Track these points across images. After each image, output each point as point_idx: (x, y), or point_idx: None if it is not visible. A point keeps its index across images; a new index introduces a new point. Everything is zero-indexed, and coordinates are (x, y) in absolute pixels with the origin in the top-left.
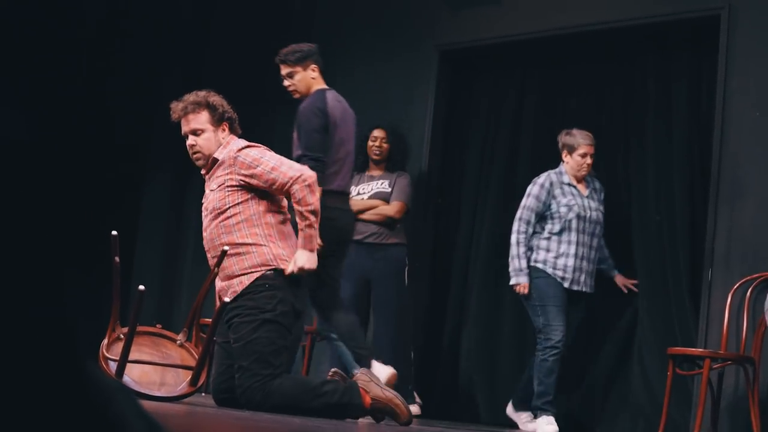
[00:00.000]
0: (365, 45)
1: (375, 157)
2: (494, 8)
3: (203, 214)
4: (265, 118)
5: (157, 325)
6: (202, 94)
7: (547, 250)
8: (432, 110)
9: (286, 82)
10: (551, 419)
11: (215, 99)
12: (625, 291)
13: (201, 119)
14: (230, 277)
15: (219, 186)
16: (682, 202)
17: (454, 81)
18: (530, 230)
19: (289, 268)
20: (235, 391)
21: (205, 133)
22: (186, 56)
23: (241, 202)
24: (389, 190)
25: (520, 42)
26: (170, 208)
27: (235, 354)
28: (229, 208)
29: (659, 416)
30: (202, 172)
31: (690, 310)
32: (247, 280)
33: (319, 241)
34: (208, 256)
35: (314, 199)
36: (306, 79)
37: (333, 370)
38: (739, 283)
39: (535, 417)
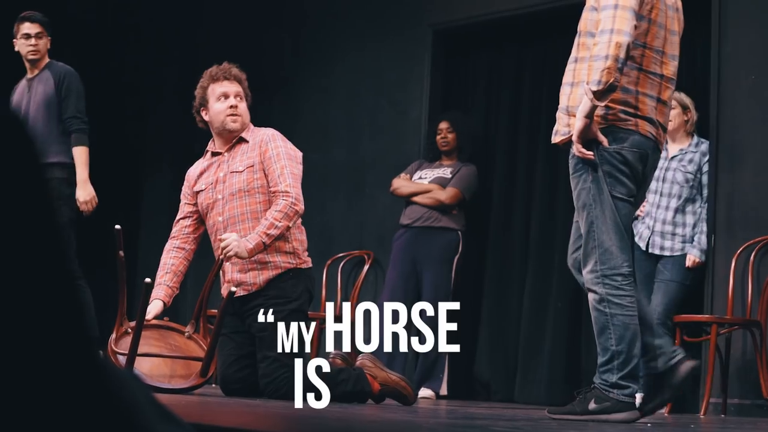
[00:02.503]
0: (358, 28)
1: (443, 148)
2: None
3: (213, 194)
4: (261, 106)
5: (165, 318)
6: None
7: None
8: (428, 90)
9: (33, 41)
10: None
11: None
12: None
13: (242, 89)
14: (254, 264)
15: (247, 167)
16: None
17: (449, 60)
18: None
19: (223, 244)
20: (244, 382)
21: (243, 103)
22: (181, 48)
23: (264, 184)
24: (449, 177)
25: (515, 17)
26: (172, 200)
27: (260, 343)
28: (257, 191)
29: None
30: (219, 149)
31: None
32: (275, 270)
33: (246, 253)
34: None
35: (287, 224)
36: (47, 45)
37: (335, 352)
38: (742, 247)
39: None
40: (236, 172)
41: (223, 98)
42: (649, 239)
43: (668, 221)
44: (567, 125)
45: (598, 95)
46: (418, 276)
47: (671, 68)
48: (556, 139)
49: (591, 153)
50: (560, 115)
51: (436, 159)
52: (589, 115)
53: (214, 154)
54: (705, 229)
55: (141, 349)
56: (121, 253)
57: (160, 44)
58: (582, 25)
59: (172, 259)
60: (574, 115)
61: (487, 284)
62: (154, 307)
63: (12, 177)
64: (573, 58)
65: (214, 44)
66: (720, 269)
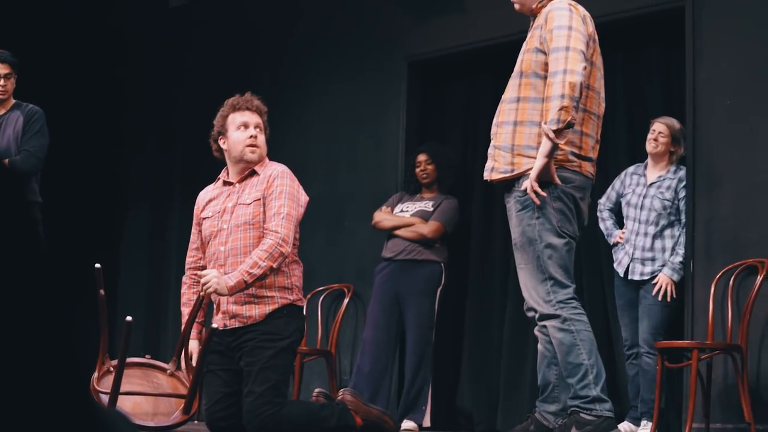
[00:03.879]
0: (334, 61)
1: (423, 180)
2: (459, 16)
3: (218, 223)
4: None
5: (146, 356)
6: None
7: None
8: (405, 122)
9: (2, 82)
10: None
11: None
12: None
13: (262, 122)
14: (251, 298)
15: (254, 200)
16: None
17: (425, 91)
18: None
19: (203, 280)
20: (231, 419)
21: (263, 135)
22: (160, 83)
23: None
24: (431, 210)
25: (489, 47)
26: (151, 237)
27: (247, 377)
28: (262, 226)
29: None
30: (232, 179)
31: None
32: (272, 305)
33: (226, 291)
34: (221, 271)
35: (270, 264)
36: (13, 84)
37: (317, 390)
38: (722, 272)
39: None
40: (244, 204)
41: (243, 128)
42: (628, 266)
43: (647, 248)
44: (510, 164)
45: (557, 134)
46: (400, 308)
47: (603, 107)
48: (494, 176)
49: (546, 192)
50: (500, 153)
51: (417, 192)
52: (550, 155)
53: (226, 183)
54: (681, 251)
55: (123, 388)
56: (102, 291)
57: (140, 80)
58: (525, 66)
59: (195, 294)
60: (521, 155)
61: (468, 315)
62: (192, 347)
63: (3, 215)
64: (514, 97)
65: (192, 79)
66: (699, 295)
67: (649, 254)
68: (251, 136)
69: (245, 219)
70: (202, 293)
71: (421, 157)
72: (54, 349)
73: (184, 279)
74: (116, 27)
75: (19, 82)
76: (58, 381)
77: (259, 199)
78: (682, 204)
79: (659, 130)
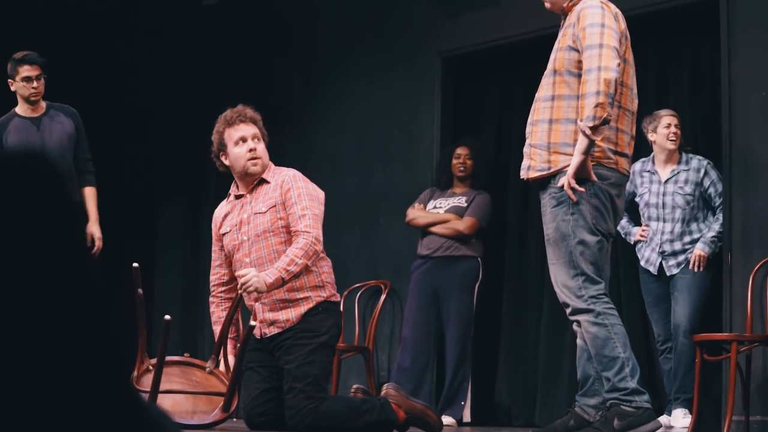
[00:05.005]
0: (367, 59)
1: (459, 174)
2: (493, 10)
3: (238, 236)
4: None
5: (185, 354)
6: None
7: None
8: (439, 119)
9: (34, 84)
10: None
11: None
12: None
13: (258, 130)
14: (285, 303)
15: (270, 208)
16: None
17: (459, 87)
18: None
19: (242, 280)
20: (269, 415)
21: (261, 143)
22: (189, 80)
23: (289, 227)
24: (465, 205)
25: (522, 42)
26: (185, 236)
27: (287, 375)
28: (282, 231)
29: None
30: (242, 191)
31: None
32: (307, 305)
33: (265, 288)
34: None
35: (306, 262)
36: (44, 84)
37: (356, 386)
38: (759, 264)
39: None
40: (260, 213)
41: (241, 142)
42: (660, 264)
43: (676, 244)
44: (547, 161)
45: (593, 131)
46: (439, 305)
47: (636, 103)
48: (531, 174)
49: (584, 189)
50: (537, 151)
51: (448, 186)
52: (587, 152)
53: (237, 196)
54: (717, 226)
55: (163, 386)
56: (140, 290)
57: (170, 81)
58: (558, 65)
59: (224, 311)
60: (557, 152)
61: (505, 310)
62: (230, 361)
63: (47, 213)
64: (548, 95)
65: (223, 79)
66: (737, 287)
67: (679, 247)
68: (251, 149)
69: (264, 227)
70: (241, 292)
71: (462, 151)
72: (100, 346)
73: (211, 298)
74: (148, 26)
75: (52, 86)
76: (104, 377)
77: (275, 206)
78: (711, 191)
79: (675, 123)
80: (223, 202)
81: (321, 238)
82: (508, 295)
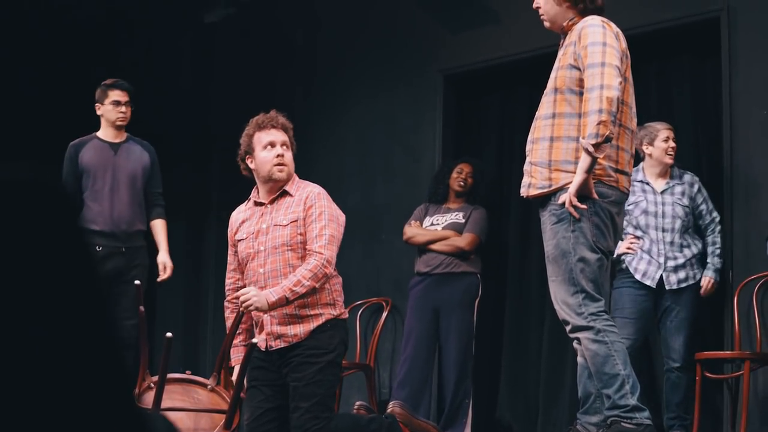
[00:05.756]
0: (369, 75)
1: (458, 188)
2: (494, 28)
3: (254, 245)
4: None
5: (187, 372)
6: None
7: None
8: (440, 135)
9: (123, 109)
10: None
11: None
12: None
13: (288, 138)
14: (295, 318)
15: (291, 222)
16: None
17: (460, 104)
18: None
19: (242, 299)
20: None
21: (289, 152)
22: (191, 96)
23: (305, 242)
24: (463, 221)
25: (523, 59)
26: (187, 254)
27: (294, 393)
28: (300, 247)
29: (687, 420)
30: (263, 200)
31: (709, 314)
32: (317, 321)
33: (266, 306)
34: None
35: (313, 284)
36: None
37: (359, 403)
38: (762, 281)
39: None
40: (280, 225)
41: (269, 147)
42: (660, 277)
43: (678, 255)
44: (548, 179)
45: (596, 149)
46: (438, 322)
47: (635, 122)
48: (531, 192)
49: (585, 206)
50: (537, 169)
51: (443, 201)
52: (589, 170)
53: (257, 203)
54: (719, 252)
55: (164, 404)
56: (142, 308)
57: (173, 95)
58: (559, 83)
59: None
60: (558, 170)
61: (506, 327)
62: (236, 372)
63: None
64: (549, 113)
65: (225, 95)
66: (742, 304)
67: (681, 261)
68: (278, 155)
69: (283, 240)
70: (241, 310)
71: (465, 168)
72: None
73: (225, 303)
74: (150, 43)
75: (52, 104)
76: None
77: (296, 221)
78: (703, 208)
79: (672, 137)
80: (242, 207)
81: (333, 261)
82: (510, 311)
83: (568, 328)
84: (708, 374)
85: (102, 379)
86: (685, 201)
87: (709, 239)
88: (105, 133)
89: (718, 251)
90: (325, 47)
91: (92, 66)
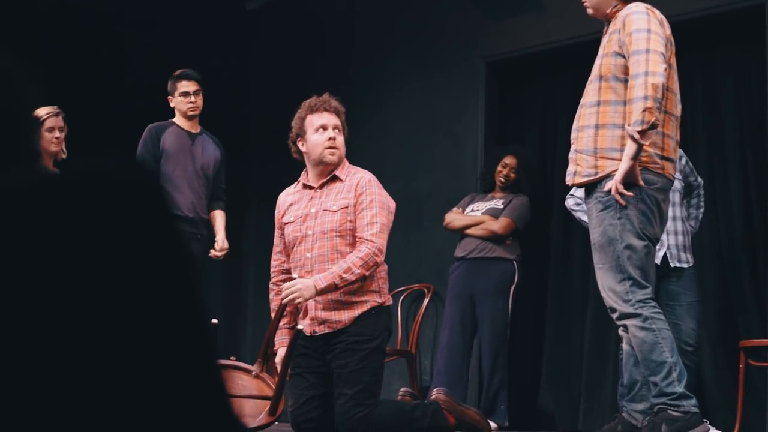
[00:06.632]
0: (411, 62)
1: (500, 183)
2: (537, 15)
3: (302, 229)
4: None
5: (232, 358)
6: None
7: None
8: (483, 123)
9: (192, 98)
10: None
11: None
12: None
13: (340, 122)
14: (340, 304)
15: (341, 208)
16: (737, 198)
17: (503, 91)
18: None
19: (284, 291)
20: (316, 422)
21: (341, 136)
22: (231, 85)
23: (355, 229)
24: (501, 207)
25: (567, 47)
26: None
27: (338, 379)
28: (349, 233)
29: (731, 409)
30: (312, 183)
31: (752, 303)
32: (361, 308)
33: (313, 294)
34: (307, 277)
35: (363, 272)
36: (202, 100)
37: (403, 389)
38: None
39: None
40: (329, 210)
41: (321, 130)
42: (665, 254)
43: (679, 231)
44: (594, 167)
45: (642, 135)
46: (474, 308)
47: (680, 108)
48: (577, 180)
49: (632, 193)
50: (583, 157)
51: (489, 191)
52: (635, 157)
53: (306, 186)
54: (700, 215)
55: None
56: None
57: (213, 83)
58: (604, 70)
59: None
60: (604, 157)
61: (548, 315)
62: (279, 354)
63: (158, 244)
64: (594, 101)
65: (263, 84)
66: None
67: (681, 239)
68: (330, 138)
69: (332, 226)
70: (284, 302)
71: (510, 161)
72: (196, 359)
73: (270, 285)
74: (191, 30)
75: (82, 91)
76: (204, 391)
77: (346, 207)
78: (692, 179)
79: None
80: (290, 188)
81: (384, 250)
82: (552, 299)
83: (615, 315)
84: (752, 362)
85: (198, 378)
86: (678, 175)
87: (693, 202)
88: (180, 122)
89: (700, 216)
90: (365, 35)
91: (131, 54)
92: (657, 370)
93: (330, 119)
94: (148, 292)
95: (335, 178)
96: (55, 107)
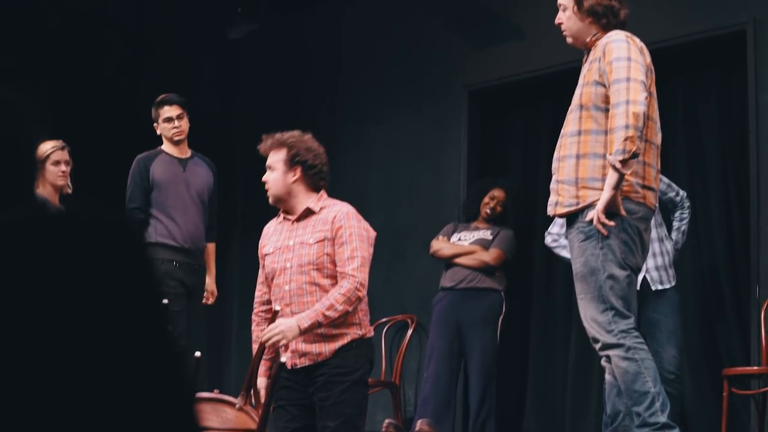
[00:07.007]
0: (394, 92)
1: (484, 215)
2: (518, 43)
3: (280, 261)
4: None
5: (215, 391)
6: (289, 134)
7: None
8: (465, 151)
9: (176, 123)
10: None
11: (300, 141)
12: None
13: (275, 160)
14: (320, 336)
15: (318, 241)
16: (719, 223)
17: (485, 120)
18: None
19: (265, 333)
20: None
21: (273, 172)
22: (216, 111)
23: (334, 264)
24: (491, 238)
25: (548, 75)
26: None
27: (320, 412)
28: (326, 266)
29: None
30: (290, 217)
31: (734, 328)
32: (342, 341)
33: (297, 334)
34: (287, 310)
35: (347, 308)
36: (188, 123)
37: (387, 421)
38: None
39: None
40: (306, 243)
41: (268, 170)
42: (645, 277)
43: (657, 252)
44: (575, 197)
45: (623, 165)
46: (462, 338)
47: (660, 136)
48: (558, 210)
49: (613, 223)
50: (564, 187)
51: (472, 220)
52: (617, 186)
53: (286, 218)
54: (684, 227)
55: None
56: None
57: (198, 112)
58: (584, 99)
59: (261, 328)
60: (586, 187)
61: (532, 345)
62: (260, 384)
63: (128, 281)
64: (575, 130)
65: (248, 113)
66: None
67: (660, 260)
68: (264, 182)
69: (309, 259)
70: (267, 345)
71: (498, 194)
72: (171, 401)
73: (253, 316)
74: (175, 59)
75: (74, 117)
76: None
77: (323, 240)
78: (671, 194)
79: None
80: (274, 221)
81: (366, 284)
82: (535, 330)
83: (597, 345)
84: (735, 390)
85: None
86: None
87: (677, 214)
88: (169, 148)
89: (684, 227)
90: (350, 64)
91: (116, 83)
92: (640, 400)
93: (269, 160)
94: (113, 327)
95: (311, 212)
96: (60, 141)
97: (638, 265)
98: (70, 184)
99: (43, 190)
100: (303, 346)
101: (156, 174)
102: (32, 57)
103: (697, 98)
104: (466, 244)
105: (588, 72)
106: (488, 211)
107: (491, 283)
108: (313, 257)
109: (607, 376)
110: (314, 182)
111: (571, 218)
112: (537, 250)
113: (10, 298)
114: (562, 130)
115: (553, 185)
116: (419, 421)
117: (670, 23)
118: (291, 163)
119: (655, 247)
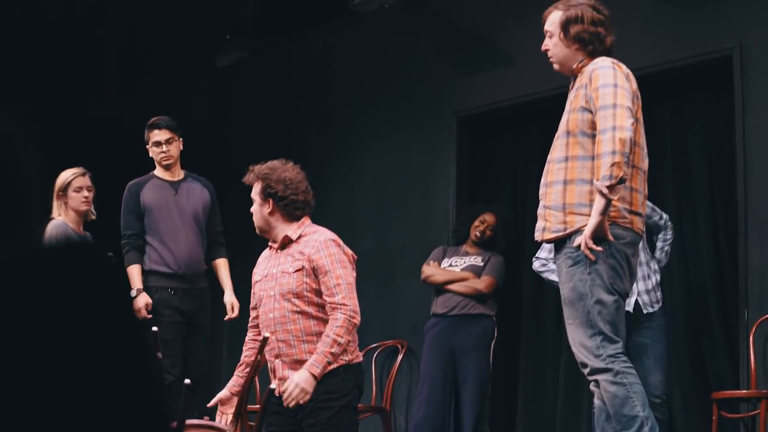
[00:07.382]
0: (383, 117)
1: (474, 238)
2: (506, 69)
3: (265, 288)
4: None
5: (205, 418)
6: (267, 165)
7: None
8: (455, 177)
9: (164, 148)
10: None
11: (273, 173)
12: None
13: (255, 189)
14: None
15: (296, 270)
16: (707, 246)
17: (474, 145)
18: None
19: (284, 387)
20: None
21: (255, 204)
22: (207, 139)
23: (316, 288)
24: (482, 265)
25: (537, 100)
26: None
27: None
28: (307, 294)
29: None
30: (273, 245)
31: (723, 352)
32: (329, 367)
33: (312, 386)
34: (273, 338)
35: (348, 338)
36: (179, 147)
37: None
38: None
39: None
40: (287, 272)
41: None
42: (637, 300)
43: (645, 275)
44: (563, 222)
45: (610, 190)
46: (455, 364)
47: (647, 162)
48: (546, 236)
49: (601, 248)
50: (552, 213)
51: (460, 244)
52: (604, 212)
53: (272, 246)
54: (667, 247)
55: None
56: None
57: (188, 137)
58: (571, 126)
59: (248, 350)
60: (573, 213)
61: (522, 370)
62: (221, 394)
63: (108, 313)
64: (562, 156)
65: (239, 140)
66: (758, 343)
67: (650, 283)
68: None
69: (289, 288)
70: (291, 406)
71: (489, 218)
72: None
73: (246, 340)
74: (164, 86)
75: (60, 145)
76: None
77: (302, 269)
78: (656, 218)
79: None
80: (267, 248)
81: (358, 309)
82: (525, 355)
83: (586, 370)
84: (724, 413)
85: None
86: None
87: (660, 235)
88: (160, 172)
89: (667, 247)
90: (340, 90)
91: (108, 108)
92: (629, 425)
93: (252, 192)
94: (85, 356)
95: (290, 240)
96: (81, 168)
97: (626, 290)
98: (93, 210)
99: (67, 218)
100: (290, 374)
101: (146, 199)
102: (25, 82)
103: (684, 123)
104: (457, 269)
105: (575, 98)
106: (478, 234)
107: (483, 309)
108: (293, 286)
109: (596, 401)
110: (288, 212)
111: (559, 244)
112: (526, 275)
113: None
114: (549, 156)
115: (540, 211)
116: None
117: (658, 49)
118: (264, 195)
119: (643, 269)
